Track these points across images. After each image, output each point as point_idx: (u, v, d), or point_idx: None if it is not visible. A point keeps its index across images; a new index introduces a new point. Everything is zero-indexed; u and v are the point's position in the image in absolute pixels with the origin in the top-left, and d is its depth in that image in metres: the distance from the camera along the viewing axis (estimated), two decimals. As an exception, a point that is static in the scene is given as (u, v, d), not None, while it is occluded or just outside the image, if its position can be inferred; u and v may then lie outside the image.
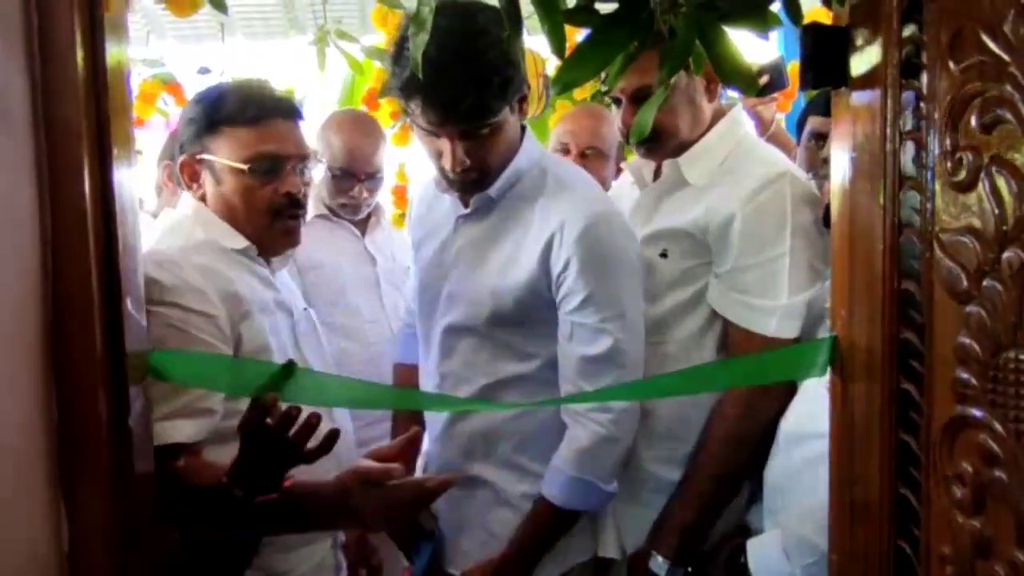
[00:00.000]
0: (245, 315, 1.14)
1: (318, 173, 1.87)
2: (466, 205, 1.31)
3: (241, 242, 1.22)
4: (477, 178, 1.25)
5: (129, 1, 0.89)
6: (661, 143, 1.39)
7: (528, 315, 1.26)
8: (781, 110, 2.37)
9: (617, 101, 1.44)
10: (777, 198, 1.33)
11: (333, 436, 1.01)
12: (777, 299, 1.31)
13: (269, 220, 1.22)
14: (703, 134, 1.42)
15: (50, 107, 0.80)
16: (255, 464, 1.00)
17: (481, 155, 1.22)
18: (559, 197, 1.26)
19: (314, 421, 0.98)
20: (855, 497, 0.85)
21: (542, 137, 2.46)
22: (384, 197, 2.31)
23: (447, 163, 1.21)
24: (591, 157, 1.88)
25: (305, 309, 1.34)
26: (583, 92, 2.41)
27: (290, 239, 1.26)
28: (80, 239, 0.81)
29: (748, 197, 1.33)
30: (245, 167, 1.19)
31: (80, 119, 0.81)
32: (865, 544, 0.83)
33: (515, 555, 1.27)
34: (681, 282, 1.39)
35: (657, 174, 1.52)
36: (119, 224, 0.85)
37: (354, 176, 1.90)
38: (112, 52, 0.86)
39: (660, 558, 1.34)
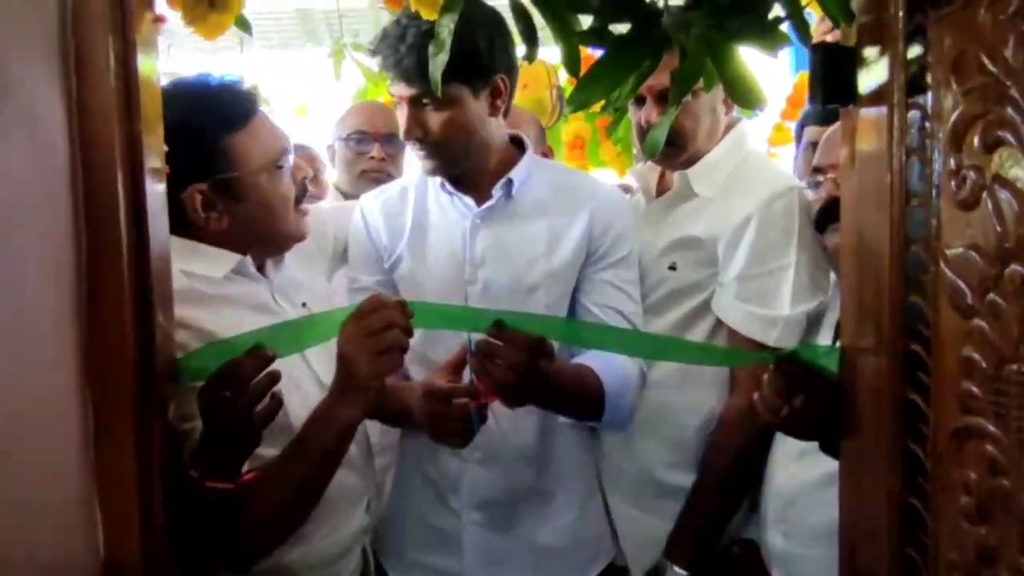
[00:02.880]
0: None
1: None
2: (478, 203, 1.33)
3: (228, 263, 1.14)
4: (428, 154, 1.29)
5: (159, 25, 0.92)
6: (681, 149, 1.42)
7: (565, 291, 1.34)
8: (788, 119, 2.40)
9: (640, 100, 1.45)
10: (786, 210, 1.36)
11: (277, 402, 0.97)
12: (780, 309, 1.34)
13: (295, 210, 1.19)
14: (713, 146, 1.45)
15: (85, 125, 0.84)
16: (225, 429, 0.95)
17: (426, 125, 1.26)
18: (581, 182, 1.41)
19: (276, 376, 0.95)
20: (864, 505, 0.87)
21: (555, 145, 2.50)
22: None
23: (400, 131, 1.29)
24: None
25: (303, 305, 1.26)
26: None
27: (307, 224, 1.23)
28: (114, 254, 0.84)
29: (759, 207, 1.36)
30: (275, 167, 1.14)
31: (114, 137, 0.85)
32: (874, 551, 0.85)
33: (538, 383, 1.11)
34: (687, 293, 1.42)
35: (661, 184, 1.54)
36: (151, 238, 0.88)
37: (370, 136, 1.91)
38: (143, 70, 0.89)
39: (677, 568, 1.37)
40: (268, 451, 1.04)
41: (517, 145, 1.39)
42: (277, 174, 1.15)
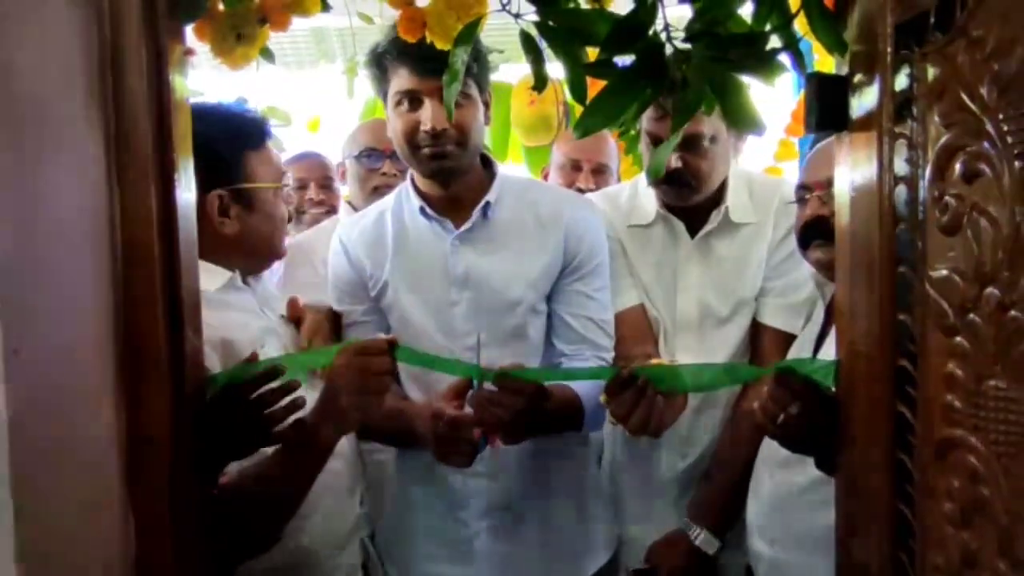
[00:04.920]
0: (239, 358, 1.12)
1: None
2: (456, 225, 1.38)
3: (220, 278, 1.22)
4: (454, 150, 1.32)
5: (189, 59, 0.98)
6: (696, 190, 1.47)
7: (544, 301, 1.40)
8: (793, 134, 2.45)
9: (656, 141, 1.48)
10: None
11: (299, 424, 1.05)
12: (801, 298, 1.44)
13: (283, 231, 1.32)
14: (722, 181, 1.52)
15: (122, 150, 0.89)
16: (227, 434, 1.02)
17: (457, 119, 1.29)
18: (552, 197, 1.46)
19: (300, 403, 1.05)
20: (858, 511, 0.91)
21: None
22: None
23: (428, 124, 1.30)
24: (601, 173, 2.00)
25: (281, 316, 1.36)
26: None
27: (286, 246, 1.36)
28: (148, 271, 0.89)
29: (784, 212, 1.48)
30: (281, 186, 1.28)
31: (148, 161, 0.90)
32: (867, 555, 0.89)
33: (531, 417, 1.19)
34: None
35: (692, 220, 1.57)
36: (181, 255, 0.94)
37: (381, 152, 1.92)
38: (175, 98, 0.95)
39: (699, 528, 1.43)
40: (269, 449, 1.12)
41: (486, 165, 1.44)
42: (279, 195, 1.28)
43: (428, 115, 1.31)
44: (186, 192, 0.98)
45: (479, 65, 1.33)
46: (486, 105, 1.39)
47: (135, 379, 0.89)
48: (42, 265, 0.74)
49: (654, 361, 1.21)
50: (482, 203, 1.37)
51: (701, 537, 1.42)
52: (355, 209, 2.03)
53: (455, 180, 1.37)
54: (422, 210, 1.40)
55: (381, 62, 1.34)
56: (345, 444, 1.26)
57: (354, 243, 1.45)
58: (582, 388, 1.31)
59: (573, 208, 1.43)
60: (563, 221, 1.39)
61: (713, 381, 1.29)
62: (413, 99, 1.33)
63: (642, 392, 1.11)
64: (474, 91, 1.34)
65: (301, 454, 1.09)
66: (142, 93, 0.89)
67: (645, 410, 1.11)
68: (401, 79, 1.33)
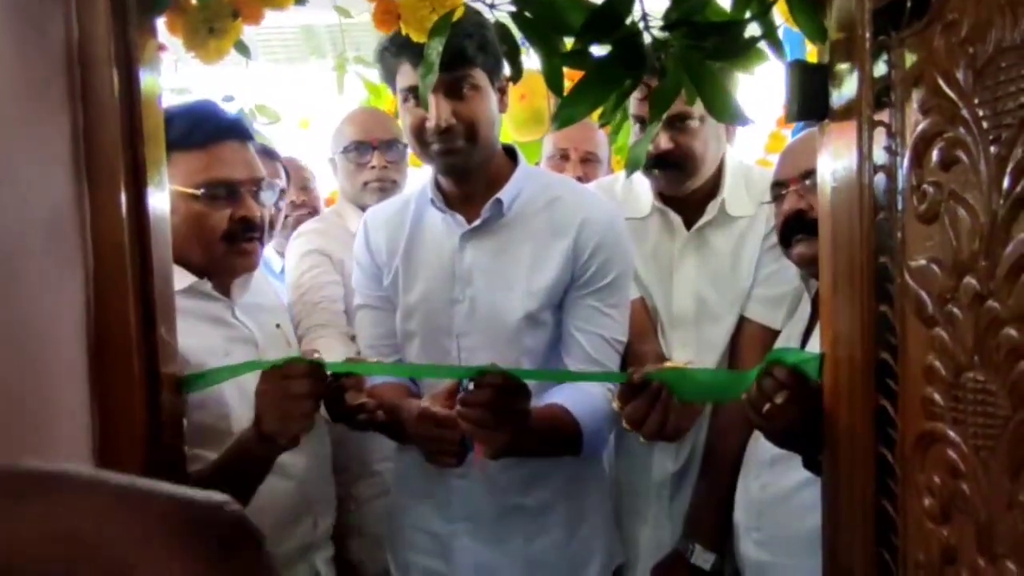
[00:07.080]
0: (192, 369, 1.10)
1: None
2: (469, 220, 1.33)
3: (185, 280, 1.18)
4: (464, 146, 1.27)
5: (160, 54, 0.96)
6: (690, 173, 1.45)
7: (549, 311, 1.33)
8: (785, 127, 2.44)
9: (643, 122, 1.45)
10: None
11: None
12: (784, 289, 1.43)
13: (224, 246, 1.21)
14: (718, 172, 1.50)
15: (91, 151, 0.88)
16: None
17: (465, 113, 1.25)
18: (573, 199, 1.35)
19: None
20: (842, 507, 0.90)
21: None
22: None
23: (432, 120, 1.24)
24: (590, 162, 1.98)
25: (277, 326, 1.33)
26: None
27: (248, 261, 1.25)
28: (119, 272, 0.88)
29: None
30: (198, 192, 1.17)
31: (118, 160, 0.89)
32: (851, 552, 0.87)
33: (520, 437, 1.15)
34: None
35: (686, 213, 1.55)
36: (153, 256, 0.93)
37: (368, 144, 1.84)
38: (145, 96, 0.94)
39: (700, 547, 1.41)
40: (209, 454, 1.12)
41: (511, 156, 1.38)
42: (203, 202, 1.18)
43: (433, 112, 1.24)
44: (159, 190, 0.97)
45: (486, 52, 1.23)
46: (502, 92, 1.31)
47: (107, 379, 0.88)
48: (8, 264, 0.72)
49: (668, 364, 1.17)
50: (492, 201, 1.31)
51: (696, 553, 1.41)
52: (357, 207, 1.94)
53: (470, 175, 1.32)
54: (433, 203, 1.35)
55: (385, 58, 1.29)
56: (301, 465, 1.25)
57: (376, 227, 1.42)
58: (581, 411, 1.25)
59: (590, 214, 1.32)
60: (575, 227, 1.30)
61: (724, 385, 1.25)
62: (419, 95, 1.24)
63: (656, 396, 1.07)
64: (483, 80, 1.25)
65: (244, 458, 1.09)
66: (111, 88, 0.88)
67: (660, 414, 1.07)
68: (405, 75, 1.27)
